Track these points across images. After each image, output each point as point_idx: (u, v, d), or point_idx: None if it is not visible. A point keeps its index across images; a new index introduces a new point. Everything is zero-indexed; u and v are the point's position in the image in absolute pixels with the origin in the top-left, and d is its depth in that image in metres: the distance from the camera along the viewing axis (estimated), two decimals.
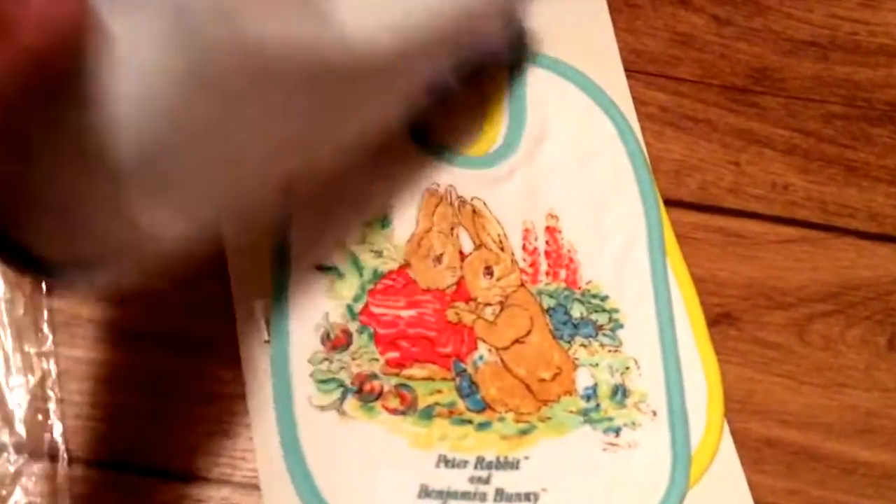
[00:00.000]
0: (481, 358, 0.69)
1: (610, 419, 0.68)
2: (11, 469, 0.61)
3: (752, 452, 0.69)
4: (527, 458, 0.67)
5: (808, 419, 0.71)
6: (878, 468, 0.70)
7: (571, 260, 0.72)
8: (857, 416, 0.71)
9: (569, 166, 0.75)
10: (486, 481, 0.66)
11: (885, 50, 0.83)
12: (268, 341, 0.67)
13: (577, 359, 0.69)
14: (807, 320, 0.73)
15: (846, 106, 0.81)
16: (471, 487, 0.65)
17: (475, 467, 0.66)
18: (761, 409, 0.70)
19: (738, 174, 0.77)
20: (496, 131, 0.76)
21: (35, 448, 0.62)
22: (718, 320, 0.72)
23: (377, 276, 0.70)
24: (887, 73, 0.82)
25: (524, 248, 0.72)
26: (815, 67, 0.82)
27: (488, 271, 0.71)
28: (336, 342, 0.67)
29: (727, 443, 0.68)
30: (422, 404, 0.67)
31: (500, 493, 0.66)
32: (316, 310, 0.68)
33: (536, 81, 0.77)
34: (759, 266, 0.75)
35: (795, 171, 0.78)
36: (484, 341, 0.69)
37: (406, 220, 0.71)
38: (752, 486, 0.67)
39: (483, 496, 0.65)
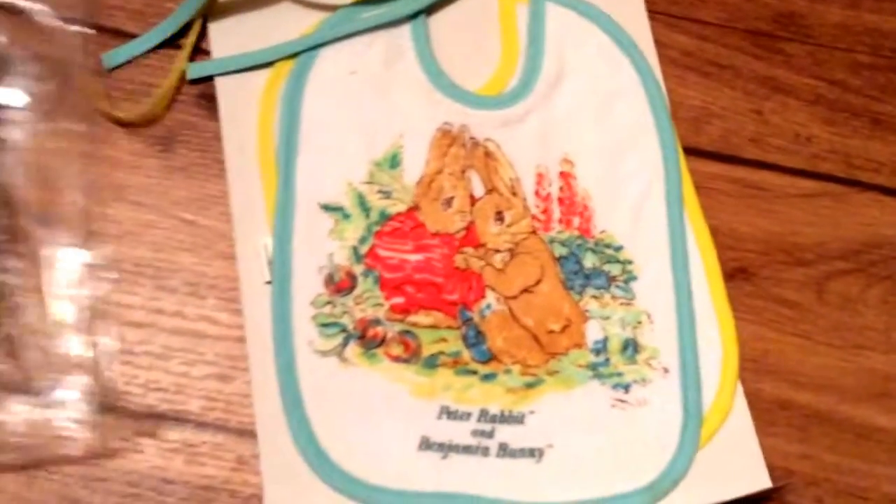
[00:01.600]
0: (489, 307, 0.67)
1: (619, 375, 0.66)
2: None
3: (764, 414, 0.67)
4: (532, 412, 0.65)
5: (822, 381, 0.69)
6: (894, 434, 0.69)
7: (585, 207, 0.69)
8: (874, 380, 0.70)
9: (586, 110, 0.72)
10: (490, 435, 0.64)
11: None
12: (269, 282, 0.65)
13: (587, 311, 0.67)
14: (825, 278, 0.72)
15: (874, 55, 0.78)
16: (473, 441, 0.64)
17: (479, 420, 0.64)
18: (775, 369, 0.69)
19: (760, 123, 0.75)
20: (512, 70, 0.73)
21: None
22: (734, 275, 0.70)
23: (384, 217, 0.67)
24: None
25: (537, 193, 0.69)
26: (844, 14, 0.79)
27: (499, 217, 0.68)
28: (340, 285, 0.65)
29: (741, 404, 0.67)
30: (426, 353, 0.65)
31: (503, 447, 0.64)
32: (320, 251, 0.66)
33: (555, 19, 0.74)
34: (779, 220, 0.73)
35: (819, 122, 0.76)
36: (492, 289, 0.67)
37: (416, 160, 0.69)
38: (763, 449, 0.66)
39: (486, 450, 0.64)
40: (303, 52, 0.70)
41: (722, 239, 0.71)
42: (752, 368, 0.68)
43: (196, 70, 0.69)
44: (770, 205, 0.73)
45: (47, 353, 0.61)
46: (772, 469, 0.65)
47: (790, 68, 0.77)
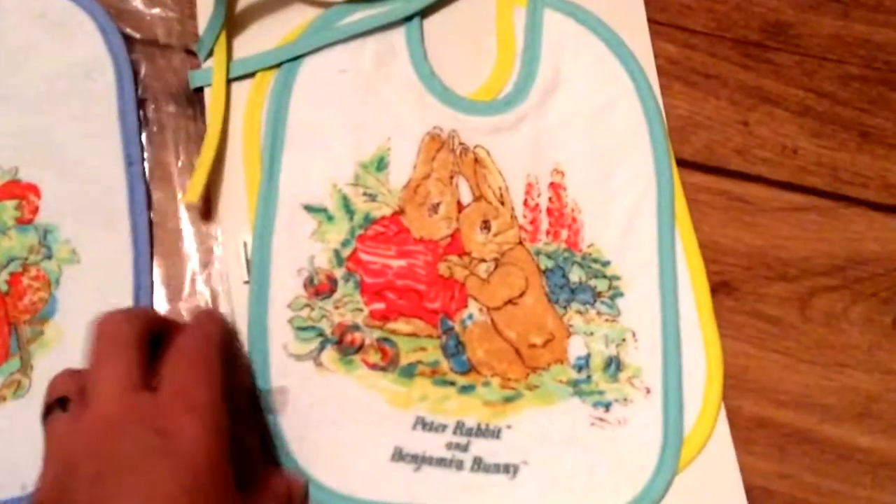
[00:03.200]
0: (471, 317, 0.65)
1: (601, 392, 0.65)
2: None
3: (743, 432, 0.66)
4: (509, 427, 0.64)
5: (804, 399, 0.68)
6: (876, 455, 0.67)
7: (574, 220, 0.68)
8: (856, 399, 0.68)
9: (580, 120, 0.70)
10: (465, 448, 0.63)
11: None
12: (247, 282, 0.63)
13: (571, 326, 0.66)
14: (809, 294, 0.70)
15: (865, 67, 0.77)
16: (447, 454, 0.62)
17: (454, 432, 0.63)
18: (755, 386, 0.67)
19: (746, 135, 0.74)
20: (506, 76, 0.71)
21: None
22: (716, 289, 0.69)
23: (368, 220, 0.66)
24: None
25: (525, 203, 0.68)
26: (835, 25, 0.77)
27: (486, 225, 0.67)
28: (320, 288, 0.64)
29: (722, 428, 0.65)
30: (403, 361, 0.64)
31: (477, 461, 0.62)
32: (301, 252, 0.65)
33: (553, 26, 0.72)
34: (763, 234, 0.71)
35: (807, 134, 0.74)
36: (475, 299, 0.66)
37: (404, 163, 0.68)
38: (742, 468, 0.65)
39: (459, 464, 0.62)
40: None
41: (704, 252, 0.69)
42: (732, 385, 0.67)
43: (199, 78, 0.68)
44: (754, 218, 0.71)
45: None
46: (750, 489, 0.64)
47: (778, 79, 0.75)
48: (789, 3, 0.77)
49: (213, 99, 0.67)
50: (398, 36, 0.70)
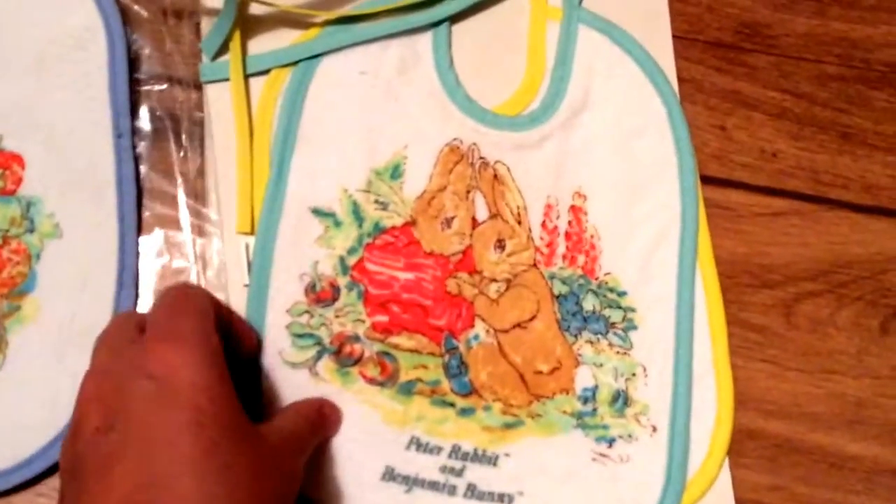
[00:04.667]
0: (476, 337, 0.63)
1: (605, 427, 0.63)
2: None
3: (733, 444, 0.64)
4: (507, 455, 0.61)
5: (792, 409, 0.66)
6: (868, 462, 0.65)
7: (593, 246, 0.66)
8: (845, 406, 0.66)
9: (607, 143, 0.68)
10: (459, 473, 0.60)
11: (884, 6, 0.76)
12: (247, 285, 0.61)
13: (580, 355, 0.64)
14: (794, 300, 0.68)
15: (842, 66, 0.74)
16: (441, 478, 0.60)
17: (449, 456, 0.61)
18: (743, 397, 0.65)
19: (723, 140, 0.71)
20: (534, 92, 0.69)
21: None
22: None
23: (378, 229, 0.64)
24: (887, 31, 0.75)
25: (543, 225, 0.66)
26: (810, 23, 0.75)
27: (500, 244, 0.65)
28: (321, 295, 0.62)
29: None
30: (403, 378, 0.62)
31: (471, 488, 0.60)
32: (304, 257, 0.63)
33: (587, 43, 0.70)
34: (745, 240, 0.69)
35: (786, 137, 0.72)
36: (483, 320, 0.63)
37: (419, 173, 0.65)
38: (733, 481, 0.63)
39: (452, 489, 0.60)
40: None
41: None
42: None
43: (211, 72, 0.66)
44: (735, 224, 0.69)
45: None
46: (742, 502, 0.63)
47: (754, 81, 0.73)
48: (763, 3, 0.75)
49: (237, 123, 0.65)
50: (424, 41, 0.68)
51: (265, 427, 0.51)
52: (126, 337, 0.50)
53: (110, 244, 0.62)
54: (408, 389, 0.61)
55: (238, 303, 0.62)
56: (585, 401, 0.63)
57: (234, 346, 0.54)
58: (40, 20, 0.65)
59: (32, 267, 0.61)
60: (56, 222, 0.62)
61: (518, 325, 0.64)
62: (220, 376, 0.48)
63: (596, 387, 0.63)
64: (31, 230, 0.61)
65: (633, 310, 0.65)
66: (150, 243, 0.64)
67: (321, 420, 0.58)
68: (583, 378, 0.63)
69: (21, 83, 0.64)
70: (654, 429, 0.63)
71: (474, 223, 0.65)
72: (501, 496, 0.60)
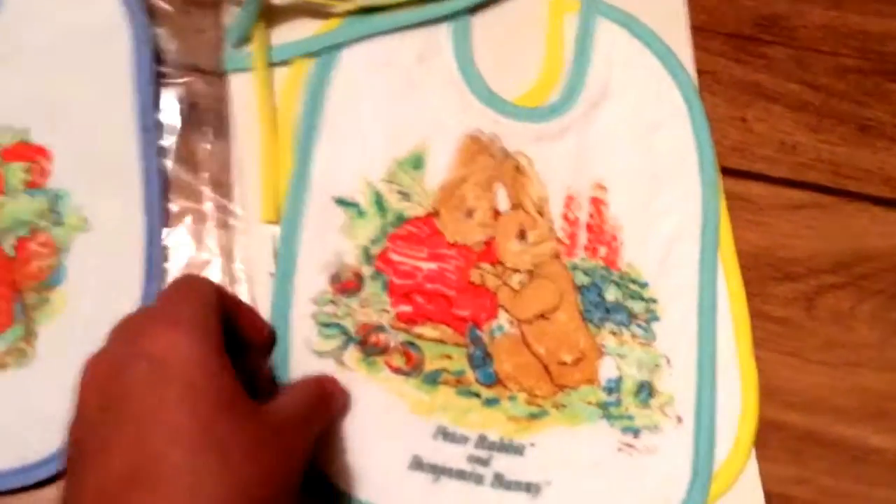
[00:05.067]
0: (500, 328, 0.63)
1: (630, 418, 0.62)
2: None
3: (758, 437, 0.64)
4: (533, 444, 0.61)
5: (815, 401, 0.66)
6: (891, 454, 0.65)
7: (614, 237, 0.66)
8: (868, 399, 0.66)
9: (627, 135, 0.68)
10: (486, 463, 0.60)
11: None
12: (273, 274, 0.61)
13: (603, 346, 0.63)
14: (815, 293, 0.68)
15: (860, 58, 0.74)
16: (468, 467, 0.60)
17: (476, 446, 0.60)
18: (765, 389, 0.65)
19: (744, 132, 0.71)
20: (553, 83, 0.69)
21: None
22: None
23: (401, 220, 0.64)
24: None
25: (565, 216, 0.66)
26: (828, 15, 0.75)
27: (522, 235, 0.65)
28: (346, 285, 0.62)
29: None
30: (428, 367, 0.61)
31: (498, 478, 0.60)
32: (328, 247, 0.62)
33: (606, 35, 0.70)
34: (765, 233, 0.69)
35: (805, 129, 0.72)
36: (506, 310, 0.63)
37: (442, 164, 0.65)
38: (759, 474, 0.63)
39: (479, 478, 0.60)
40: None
41: None
42: None
43: (235, 61, 0.66)
44: (756, 217, 0.69)
45: None
46: (770, 496, 0.62)
47: (773, 73, 0.73)
48: None
49: (261, 113, 0.65)
50: (444, 31, 0.68)
51: (266, 405, 0.51)
52: (132, 326, 0.50)
53: (137, 237, 0.62)
54: (433, 379, 0.61)
55: (263, 293, 0.61)
56: (610, 391, 0.62)
57: (241, 334, 0.54)
58: (65, 14, 0.65)
59: (60, 260, 0.61)
60: (84, 215, 0.61)
61: (541, 316, 0.63)
62: (215, 353, 0.48)
63: (620, 378, 0.63)
64: (59, 223, 0.61)
65: (654, 301, 0.65)
66: (176, 236, 0.63)
67: (323, 395, 0.57)
68: (606, 369, 0.63)
69: (46, 77, 0.64)
70: (680, 419, 0.62)
71: (496, 214, 0.65)
72: (529, 485, 0.60)
